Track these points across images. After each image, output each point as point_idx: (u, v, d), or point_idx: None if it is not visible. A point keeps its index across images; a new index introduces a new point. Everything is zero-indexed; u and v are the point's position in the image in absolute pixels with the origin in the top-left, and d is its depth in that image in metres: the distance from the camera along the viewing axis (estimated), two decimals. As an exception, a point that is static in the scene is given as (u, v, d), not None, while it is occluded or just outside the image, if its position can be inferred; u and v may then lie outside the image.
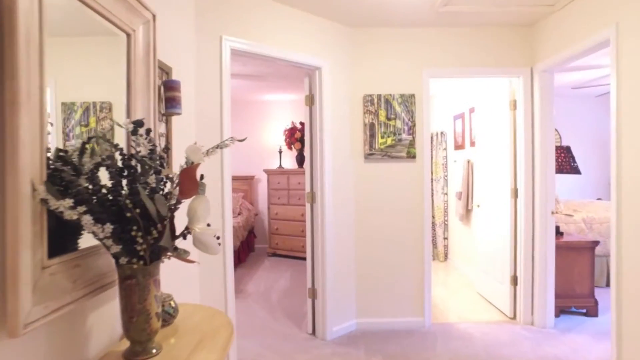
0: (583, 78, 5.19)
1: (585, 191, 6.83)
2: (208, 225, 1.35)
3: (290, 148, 6.61)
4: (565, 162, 3.93)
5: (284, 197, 6.31)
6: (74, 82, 1.39)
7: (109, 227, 1.16)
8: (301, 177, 6.08)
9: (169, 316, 1.52)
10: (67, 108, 1.34)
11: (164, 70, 1.96)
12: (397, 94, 3.41)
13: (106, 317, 1.34)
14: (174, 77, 2.07)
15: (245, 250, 6.24)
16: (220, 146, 1.49)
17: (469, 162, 4.97)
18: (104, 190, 1.22)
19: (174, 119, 2.11)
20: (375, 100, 3.41)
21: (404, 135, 3.41)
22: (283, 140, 6.66)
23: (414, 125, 3.41)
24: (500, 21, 3.32)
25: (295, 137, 6.35)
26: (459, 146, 5.48)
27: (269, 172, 6.51)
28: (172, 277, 1.90)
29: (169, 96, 1.88)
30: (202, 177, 1.46)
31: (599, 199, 6.58)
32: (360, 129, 3.45)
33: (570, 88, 5.86)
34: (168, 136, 2.00)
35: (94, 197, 1.20)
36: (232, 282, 2.71)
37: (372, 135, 3.42)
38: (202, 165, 2.49)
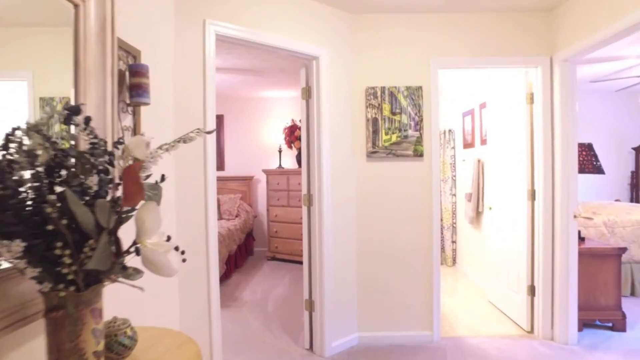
0: (603, 71, 4.86)
1: (601, 192, 6.48)
2: (168, 239, 1.07)
3: (290, 147, 6.32)
4: (587, 160, 3.61)
5: (284, 199, 6.02)
6: (52, 75, 1.30)
7: (18, 245, 0.88)
8: (301, 177, 5.79)
9: (123, 348, 1.23)
10: (46, 103, 1.26)
11: (130, 53, 1.67)
12: (403, 86, 3.11)
13: (29, 359, 1.06)
14: (143, 62, 1.79)
15: (243, 254, 5.96)
16: (184, 139, 1.19)
17: (479, 161, 4.66)
18: (25, 195, 0.94)
19: (146, 111, 1.82)
20: (379, 93, 3.11)
21: (410, 132, 3.11)
22: (283, 138, 6.38)
23: (422, 121, 3.11)
24: (516, 5, 3.01)
25: (296, 135, 6.06)
26: (468, 145, 5.16)
27: (268, 173, 6.22)
28: (138, 293, 1.64)
29: (134, 83, 1.60)
30: (162, 178, 1.17)
31: (617, 200, 6.23)
32: (362, 125, 3.15)
33: (587, 82, 5.52)
34: (136, 130, 1.71)
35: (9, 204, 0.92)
36: (217, 297, 2.42)
37: (375, 132, 3.12)
38: (182, 162, 2.20)
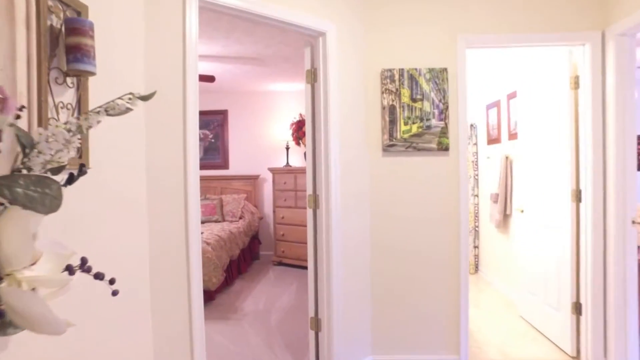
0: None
1: None
2: (82, 264, 0.67)
3: (298, 144, 5.90)
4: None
5: (291, 199, 5.60)
6: None
7: None
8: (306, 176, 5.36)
9: None
10: None
11: (71, 6, 1.26)
12: (425, 68, 2.65)
13: None
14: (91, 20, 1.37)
15: (247, 259, 5.55)
16: (107, 110, 0.77)
17: (507, 158, 4.17)
18: None
19: (97, 87, 1.40)
20: (397, 77, 2.66)
21: (433, 121, 2.65)
22: (290, 135, 5.96)
23: (447, 109, 2.65)
24: (561, -29, 2.53)
25: (303, 131, 5.62)
26: (493, 140, 4.67)
27: (274, 171, 5.81)
28: (89, 315, 1.24)
29: (72, 43, 1.18)
30: (81, 168, 0.75)
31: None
32: (377, 114, 2.70)
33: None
34: (81, 108, 1.30)
35: None
36: (201, 322, 1.98)
37: (393, 122, 2.67)
38: (156, 154, 1.78)
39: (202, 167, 6.39)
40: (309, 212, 2.66)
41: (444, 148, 2.65)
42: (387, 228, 2.73)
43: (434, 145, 2.65)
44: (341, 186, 2.58)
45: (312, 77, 2.60)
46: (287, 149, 6.07)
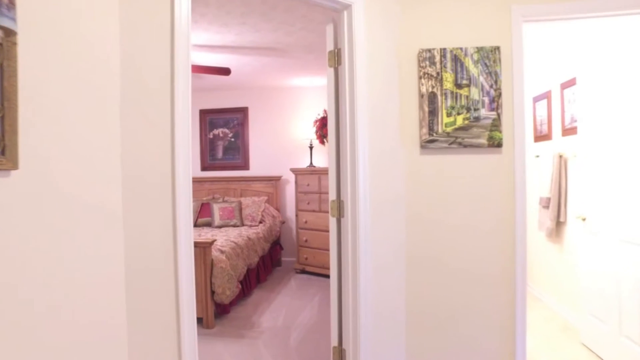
0: None
1: None
2: None
3: (322, 142, 5.49)
4: None
5: (315, 202, 5.19)
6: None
7: None
8: (328, 178, 4.94)
9: None
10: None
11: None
12: (472, 47, 2.18)
13: None
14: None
15: (268, 267, 5.18)
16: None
17: (560, 157, 3.61)
18: None
19: (52, 61, 1.03)
20: (438, 58, 2.20)
21: (483, 112, 2.18)
22: (314, 132, 5.55)
23: (499, 96, 2.17)
24: None
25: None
26: (542, 136, 4.11)
27: (296, 172, 5.42)
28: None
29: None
30: None
31: None
32: (414, 103, 2.25)
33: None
34: (4, 93, 0.92)
35: None
36: (194, 352, 1.59)
37: (433, 112, 2.21)
38: (135, 148, 1.39)
39: (222, 167, 6.09)
40: (332, 221, 2.24)
41: (495, 144, 2.17)
42: (426, 238, 2.27)
43: (483, 141, 2.18)
44: (370, 190, 2.14)
45: (336, 59, 2.18)
46: (311, 148, 5.67)
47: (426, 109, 2.21)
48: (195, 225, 5.22)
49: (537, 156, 4.20)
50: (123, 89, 1.40)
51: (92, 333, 1.25)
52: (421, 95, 2.22)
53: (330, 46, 2.20)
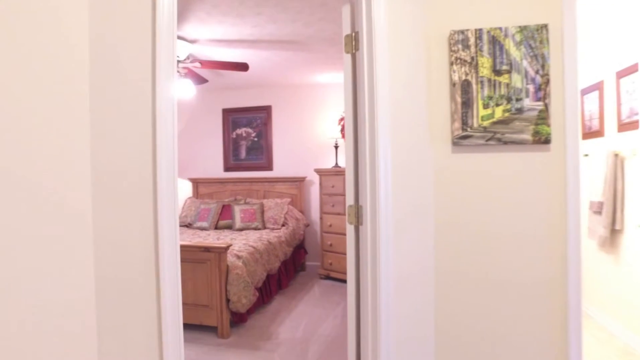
0: None
1: None
2: None
3: (347, 142, 5.20)
4: None
5: (340, 205, 4.92)
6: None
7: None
8: (345, 180, 4.65)
9: None
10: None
11: None
12: (514, 26, 1.86)
13: None
14: None
15: (290, 272, 4.95)
16: None
17: (616, 156, 3.18)
18: None
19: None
20: (473, 41, 1.89)
21: (527, 102, 1.85)
22: (339, 131, 5.29)
23: (547, 83, 1.83)
24: None
25: (353, 127, 4.93)
26: (592, 133, 3.67)
27: (321, 173, 5.17)
28: None
29: None
30: None
31: None
32: (444, 93, 1.95)
33: None
34: None
35: None
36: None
37: (467, 104, 1.90)
38: (108, 142, 1.18)
39: (245, 168, 5.93)
40: (349, 229, 1.97)
41: (542, 140, 1.83)
42: (459, 249, 1.96)
43: (527, 136, 1.84)
44: (393, 194, 1.86)
45: (353, 43, 1.91)
46: (336, 147, 5.41)
47: (459, 99, 1.90)
48: (216, 227, 5.07)
49: (586, 155, 3.76)
50: (93, 78, 1.19)
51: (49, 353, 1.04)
52: (453, 84, 1.91)
53: (346, 29, 1.94)
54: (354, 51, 1.91)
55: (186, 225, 5.30)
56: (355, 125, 1.94)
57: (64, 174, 1.12)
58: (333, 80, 5.41)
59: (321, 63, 4.57)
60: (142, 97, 1.29)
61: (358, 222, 1.92)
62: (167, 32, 1.35)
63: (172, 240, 1.33)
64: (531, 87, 1.84)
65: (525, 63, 1.84)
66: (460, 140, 1.92)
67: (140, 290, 1.29)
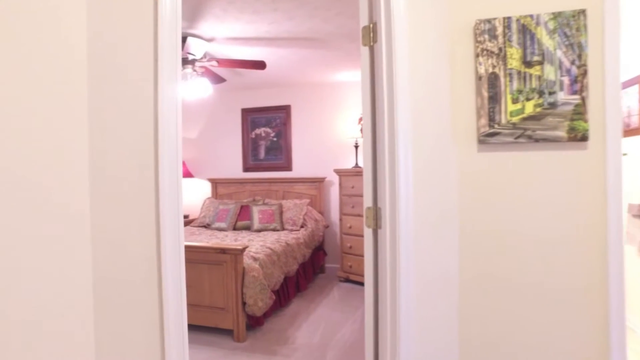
0: None
1: None
2: None
3: (367, 141, 5.08)
4: None
5: (360, 206, 4.80)
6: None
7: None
8: (363, 181, 4.52)
9: None
10: None
11: None
12: (546, 13, 1.71)
13: None
14: None
15: (309, 274, 4.87)
16: None
17: (657, 153, 2.95)
18: None
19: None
20: (500, 30, 1.75)
21: (561, 96, 1.70)
22: (359, 130, 5.17)
23: (585, 74, 1.67)
24: None
25: (374, 126, 4.80)
26: (630, 131, 3.44)
27: (340, 173, 5.06)
28: None
29: None
30: None
31: None
32: (469, 87, 1.81)
33: None
34: None
35: None
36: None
37: (494, 99, 1.76)
38: (108, 141, 1.11)
39: (264, 168, 5.88)
40: (367, 232, 1.86)
41: (579, 137, 1.67)
42: (486, 253, 1.82)
43: (561, 133, 1.69)
44: (414, 196, 1.74)
45: (371, 35, 1.80)
46: (356, 147, 5.29)
47: (485, 94, 1.77)
48: (234, 228, 5.03)
49: (625, 154, 3.52)
50: (93, 77, 1.13)
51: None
52: (479, 78, 1.77)
53: (364, 20, 1.83)
54: (371, 43, 1.80)
55: (204, 225, 5.28)
56: (374, 122, 1.83)
57: (63, 173, 1.05)
58: (353, 78, 5.30)
59: (340, 60, 4.46)
60: (143, 95, 1.22)
61: (376, 225, 1.80)
62: (170, 28, 1.27)
63: (176, 241, 1.26)
64: (566, 79, 1.68)
65: (559, 53, 1.69)
66: (487, 138, 1.78)
67: (140, 292, 1.22)
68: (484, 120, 1.77)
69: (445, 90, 1.84)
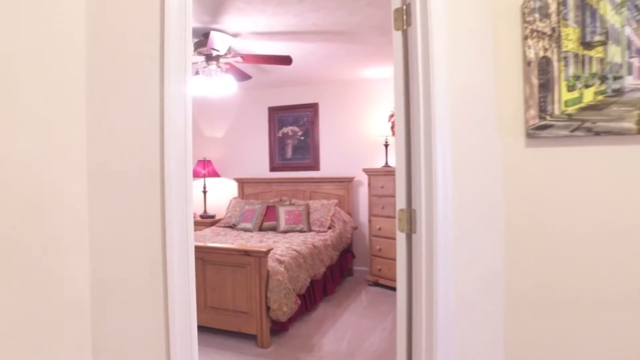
0: None
1: None
2: None
3: (398, 139, 4.86)
4: None
5: (389, 207, 4.59)
6: None
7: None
8: (395, 181, 4.30)
9: None
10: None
11: None
12: (610, -14, 1.48)
13: None
14: None
15: (337, 277, 4.70)
16: None
17: None
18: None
19: None
20: (554, 7, 1.53)
21: (628, 81, 1.46)
22: (389, 128, 4.96)
23: (656, 56, 1.43)
24: None
25: (405, 123, 4.59)
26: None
27: (369, 173, 4.88)
28: None
29: None
30: None
31: None
32: (516, 74, 1.60)
33: None
34: None
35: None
36: None
37: (546, 86, 1.54)
38: (104, 137, 0.98)
39: (291, 168, 5.76)
40: (400, 237, 1.68)
41: (649, 129, 1.43)
42: (537, 261, 1.60)
43: (630, 125, 1.45)
44: (453, 197, 1.54)
45: (404, 18, 1.62)
46: (386, 146, 5.09)
47: (535, 81, 1.55)
48: (260, 229, 4.93)
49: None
50: (91, 61, 1.01)
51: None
52: (527, 63, 1.56)
53: (396, 2, 1.65)
54: (404, 27, 1.62)
55: (230, 226, 5.21)
56: (407, 114, 1.64)
57: (60, 168, 0.94)
58: (382, 74, 5.09)
59: (369, 55, 4.27)
60: (148, 89, 1.09)
61: (410, 230, 1.62)
62: (179, 13, 1.14)
63: (184, 241, 1.13)
64: (636, 61, 1.45)
65: (628, 30, 1.45)
66: (537, 132, 1.56)
67: (145, 296, 1.10)
68: (533, 111, 1.55)
69: (489, 78, 1.63)
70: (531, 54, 1.56)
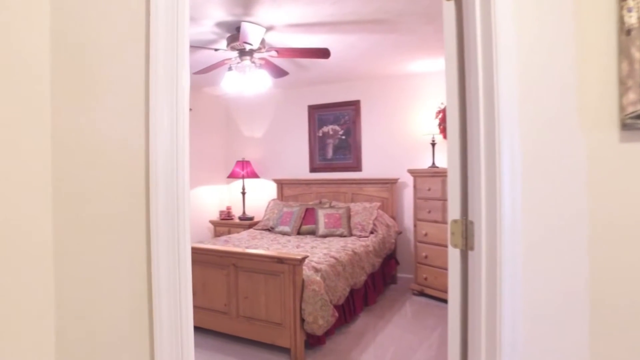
0: None
1: None
2: None
3: (446, 137, 4.48)
4: None
5: (437, 211, 4.23)
6: None
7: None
8: (447, 184, 3.91)
9: None
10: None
11: None
12: None
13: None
14: None
15: (379, 285, 4.40)
16: None
17: None
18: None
19: None
20: (661, -41, 1.17)
21: None
22: (437, 125, 4.60)
23: None
24: None
25: (454, 119, 4.21)
26: None
27: (415, 174, 4.54)
28: None
29: None
30: None
31: None
32: (607, 48, 1.25)
33: None
34: None
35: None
36: None
37: (649, 62, 1.18)
38: (76, 144, 0.80)
39: (332, 169, 5.53)
40: (453, 253, 1.38)
41: None
42: (636, 276, 1.24)
43: None
44: (523, 206, 1.22)
45: (458, -16, 1.32)
46: (433, 145, 4.72)
47: (637, 56, 1.20)
48: (298, 232, 4.72)
49: None
50: (55, 71, 0.81)
51: None
52: (626, 32, 1.21)
53: (447, -35, 1.35)
54: (459, -5, 1.32)
55: (268, 229, 5.04)
56: (462, 103, 1.34)
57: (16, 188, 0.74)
58: (428, 68, 4.72)
59: (414, 47, 3.94)
60: (134, 88, 0.88)
61: (466, 246, 1.32)
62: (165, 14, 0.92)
63: (174, 269, 0.90)
64: None
65: None
66: (636, 122, 1.20)
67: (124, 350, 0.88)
68: (633, 95, 1.20)
69: (567, 54, 1.29)
70: (632, 19, 1.20)
